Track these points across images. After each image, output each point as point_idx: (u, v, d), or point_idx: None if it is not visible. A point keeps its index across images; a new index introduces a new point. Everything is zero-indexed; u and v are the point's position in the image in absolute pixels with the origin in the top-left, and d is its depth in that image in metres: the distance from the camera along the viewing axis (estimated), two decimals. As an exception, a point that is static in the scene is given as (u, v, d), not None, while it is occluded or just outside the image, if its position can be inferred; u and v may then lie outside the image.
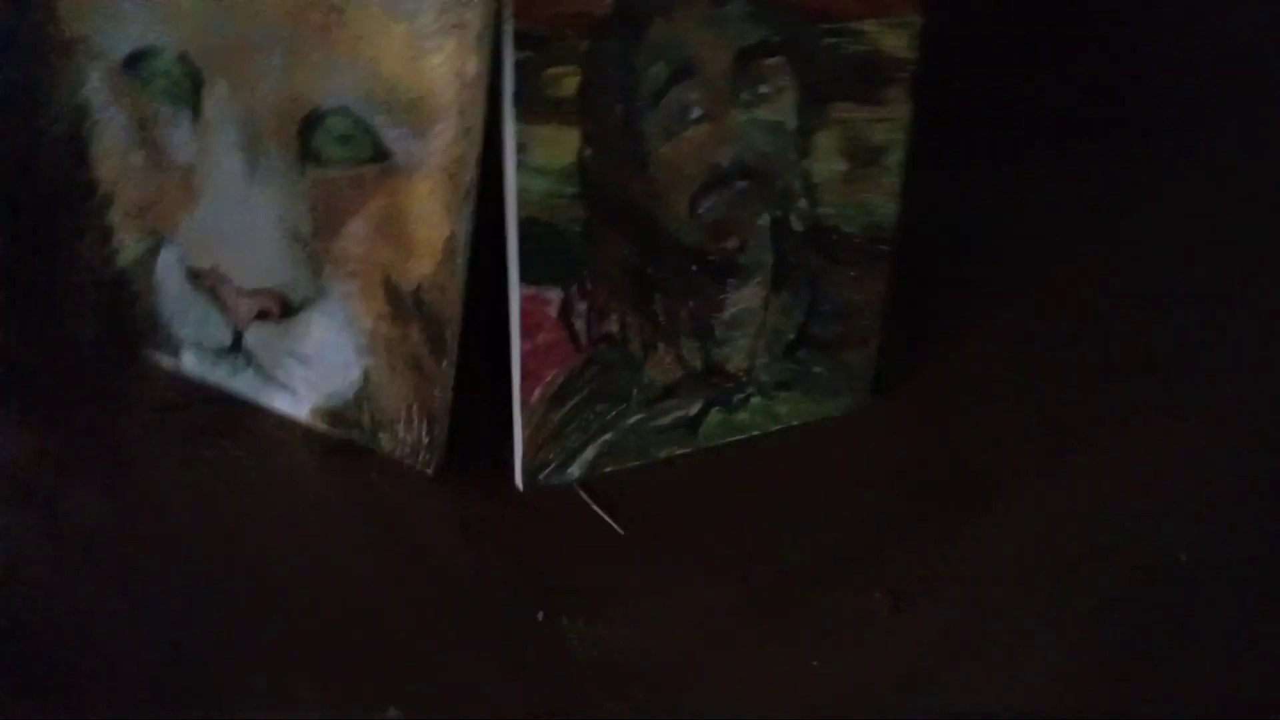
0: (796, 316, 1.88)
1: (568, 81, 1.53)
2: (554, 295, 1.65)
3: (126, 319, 1.90)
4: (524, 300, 1.63)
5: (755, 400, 1.93)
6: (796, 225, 1.80)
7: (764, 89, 1.68)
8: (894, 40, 1.74)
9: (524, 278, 1.62)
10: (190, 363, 1.89)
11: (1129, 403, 2.10)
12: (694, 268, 1.75)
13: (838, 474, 1.95)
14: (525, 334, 1.66)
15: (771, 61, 1.66)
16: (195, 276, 1.81)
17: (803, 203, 1.79)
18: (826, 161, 1.78)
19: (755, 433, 1.96)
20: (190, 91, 1.69)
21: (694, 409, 1.87)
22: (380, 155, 1.60)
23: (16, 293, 1.96)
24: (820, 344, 1.93)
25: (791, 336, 1.90)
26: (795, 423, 1.99)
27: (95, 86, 1.76)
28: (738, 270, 1.79)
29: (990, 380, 2.14)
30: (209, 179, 1.74)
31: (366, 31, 1.53)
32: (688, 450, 1.90)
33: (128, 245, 1.85)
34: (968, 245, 2.41)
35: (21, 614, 1.56)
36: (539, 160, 1.56)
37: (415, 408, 1.75)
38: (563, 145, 1.57)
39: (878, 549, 1.81)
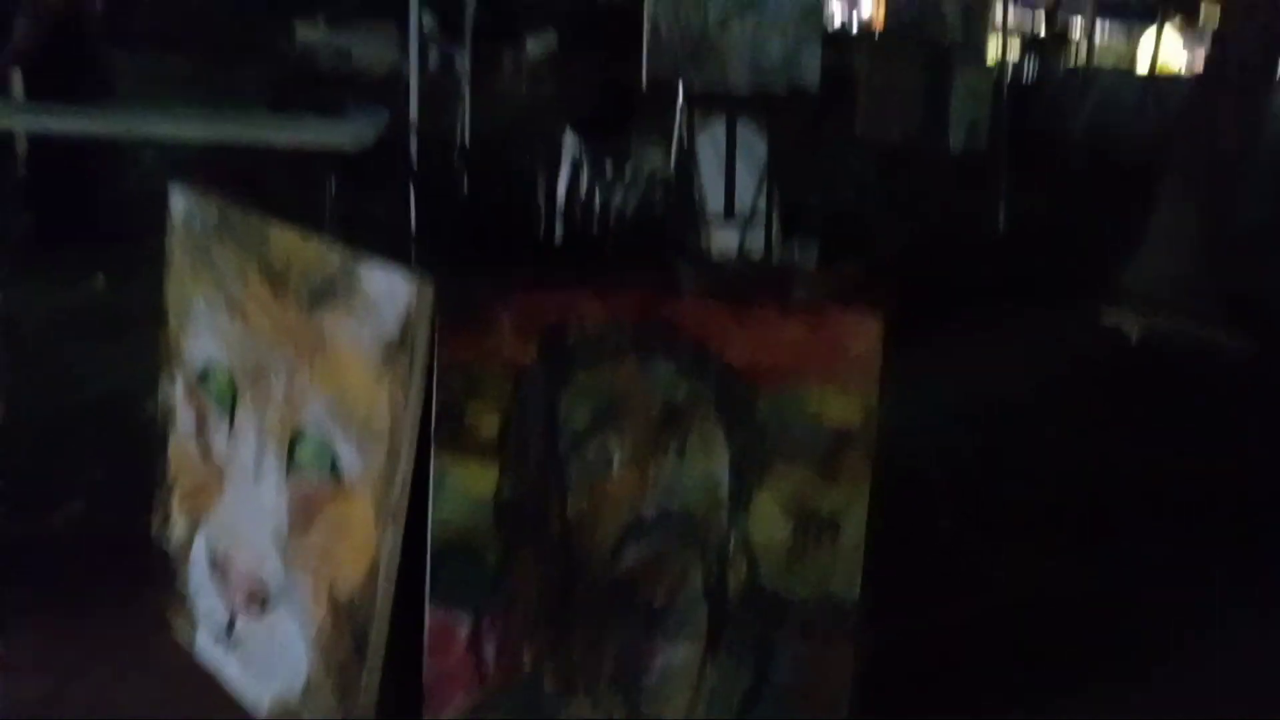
0: (741, 683, 1.77)
1: (489, 421, 1.66)
2: (464, 620, 1.69)
3: (168, 594, 2.16)
4: (432, 623, 1.68)
5: (699, 771, 1.79)
6: (734, 586, 1.74)
7: (693, 444, 1.70)
8: (842, 410, 1.72)
9: (434, 599, 1.68)
10: (201, 642, 2.08)
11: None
12: (616, 614, 1.73)
13: None
14: (431, 657, 1.69)
15: (701, 418, 1.70)
16: (213, 561, 2.04)
17: (741, 563, 1.74)
18: (767, 524, 1.73)
19: (701, 808, 1.80)
20: (231, 402, 1.99)
21: (623, 768, 1.77)
22: (336, 469, 1.78)
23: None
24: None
25: (737, 706, 1.77)
26: (752, 806, 1.81)
27: (178, 391, 2.13)
28: (666, 622, 1.74)
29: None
30: (232, 476, 2.00)
31: (337, 363, 1.76)
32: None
33: (179, 527, 2.14)
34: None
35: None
36: (455, 491, 1.66)
37: (341, 713, 1.80)
38: (480, 478, 1.67)
39: None
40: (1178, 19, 11.71)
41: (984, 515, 2.70)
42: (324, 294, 1.79)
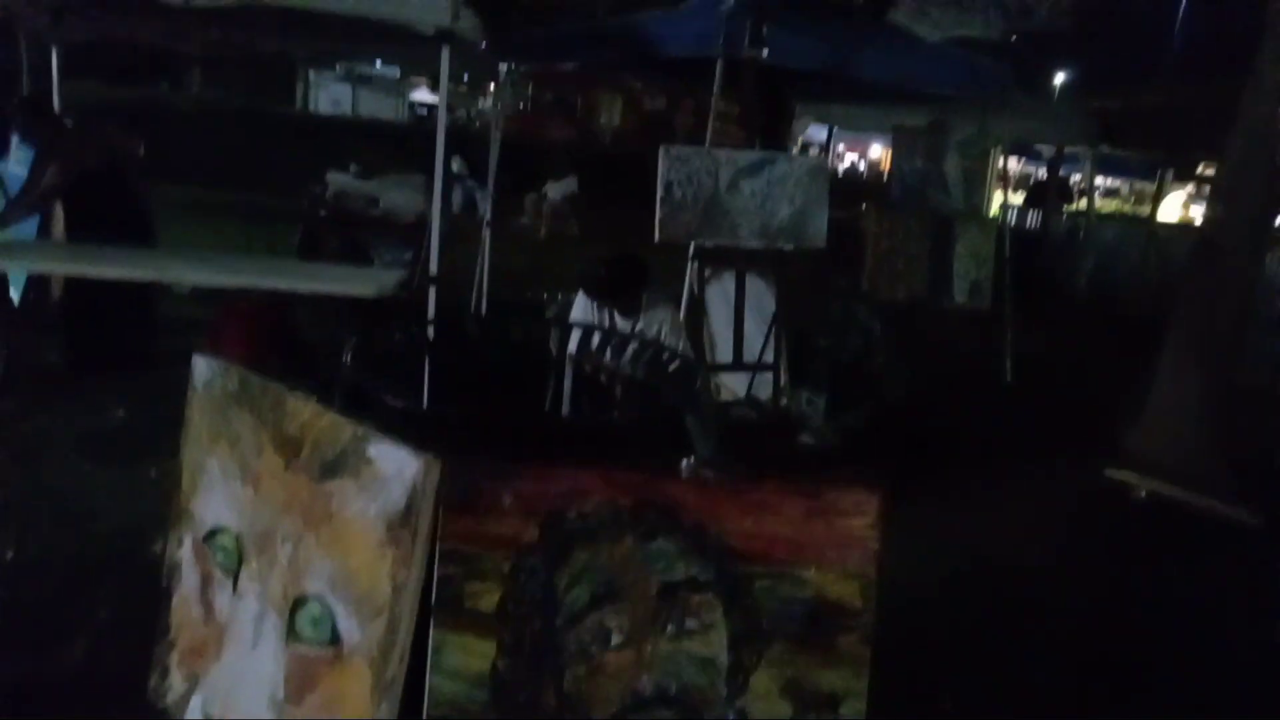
0: None
1: (487, 597, 1.68)
2: (457, 800, 1.67)
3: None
4: (425, 802, 1.67)
5: None
6: (732, 766, 1.73)
7: (691, 623, 1.72)
8: (842, 589, 1.74)
9: (428, 778, 1.67)
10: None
11: None
12: (613, 798, 1.71)
13: None
14: (423, 837, 1.67)
15: (699, 597, 1.72)
16: (208, 722, 2.04)
17: (740, 743, 1.73)
18: (766, 703, 1.73)
19: None
20: (237, 565, 2.02)
21: None
22: (335, 639, 1.79)
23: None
24: None
25: None
26: None
27: (185, 550, 2.16)
28: (662, 804, 1.72)
29: None
30: (232, 639, 2.01)
31: (342, 534, 1.80)
32: None
33: (175, 685, 2.13)
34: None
35: None
36: (452, 665, 1.67)
37: None
38: (477, 653, 1.68)
39: None
40: (1178, 175, 12.04)
41: (987, 686, 2.66)
42: (335, 466, 1.84)
